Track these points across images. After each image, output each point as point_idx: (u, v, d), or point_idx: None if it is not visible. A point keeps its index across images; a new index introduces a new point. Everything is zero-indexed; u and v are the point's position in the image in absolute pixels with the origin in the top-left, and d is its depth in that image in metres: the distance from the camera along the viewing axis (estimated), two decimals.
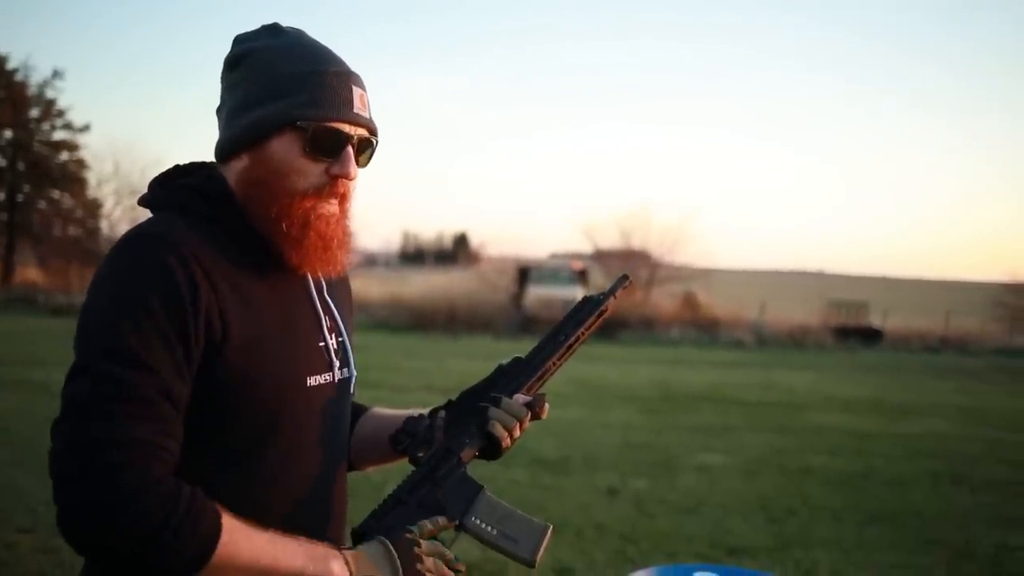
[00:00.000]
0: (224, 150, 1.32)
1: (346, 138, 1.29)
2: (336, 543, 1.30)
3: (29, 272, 33.67)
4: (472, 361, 15.25)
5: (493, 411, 1.39)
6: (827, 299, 32.68)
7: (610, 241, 36.39)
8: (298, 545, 1.21)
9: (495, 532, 1.37)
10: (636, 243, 34.96)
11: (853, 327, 28.59)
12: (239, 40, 1.34)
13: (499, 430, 1.38)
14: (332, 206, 1.30)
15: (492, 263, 37.21)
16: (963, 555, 5.53)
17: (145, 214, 1.33)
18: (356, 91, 1.31)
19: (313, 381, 1.33)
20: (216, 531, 1.13)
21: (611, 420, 10.16)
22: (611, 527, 5.71)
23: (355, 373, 1.44)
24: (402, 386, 11.62)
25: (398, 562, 1.24)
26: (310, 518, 1.34)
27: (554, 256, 37.93)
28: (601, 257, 35.14)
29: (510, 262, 32.94)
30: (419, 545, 1.27)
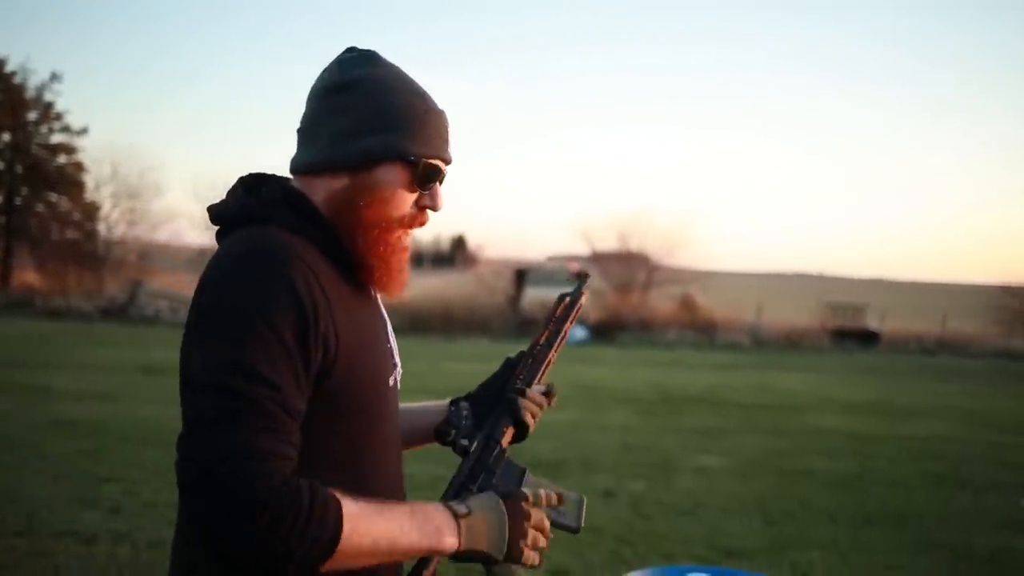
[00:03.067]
0: (320, 166, 1.37)
1: (442, 175, 1.40)
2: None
3: (27, 275, 33.63)
4: (469, 364, 15.25)
5: (521, 401, 1.55)
6: (824, 301, 32.75)
7: (608, 243, 36.43)
8: (411, 519, 1.26)
9: (544, 507, 1.45)
10: (634, 245, 35.01)
11: (850, 329, 28.66)
12: (345, 66, 1.39)
13: (528, 417, 1.55)
14: (410, 236, 1.41)
15: (490, 265, 37.23)
16: (962, 557, 5.51)
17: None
18: (449, 130, 1.42)
19: (391, 381, 1.44)
20: (340, 522, 1.18)
21: (608, 422, 10.15)
22: (607, 529, 5.69)
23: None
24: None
25: (507, 535, 1.31)
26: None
27: (552, 258, 37.99)
28: (599, 259, 35.13)
29: (508, 264, 33.00)
30: (528, 501, 1.36)
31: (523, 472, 1.52)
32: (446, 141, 1.41)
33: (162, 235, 35.64)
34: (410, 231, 1.41)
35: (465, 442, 1.50)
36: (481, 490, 1.42)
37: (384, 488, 1.40)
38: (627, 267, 33.91)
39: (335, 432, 1.32)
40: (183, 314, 25.02)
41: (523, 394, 1.56)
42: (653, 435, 9.45)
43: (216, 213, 1.39)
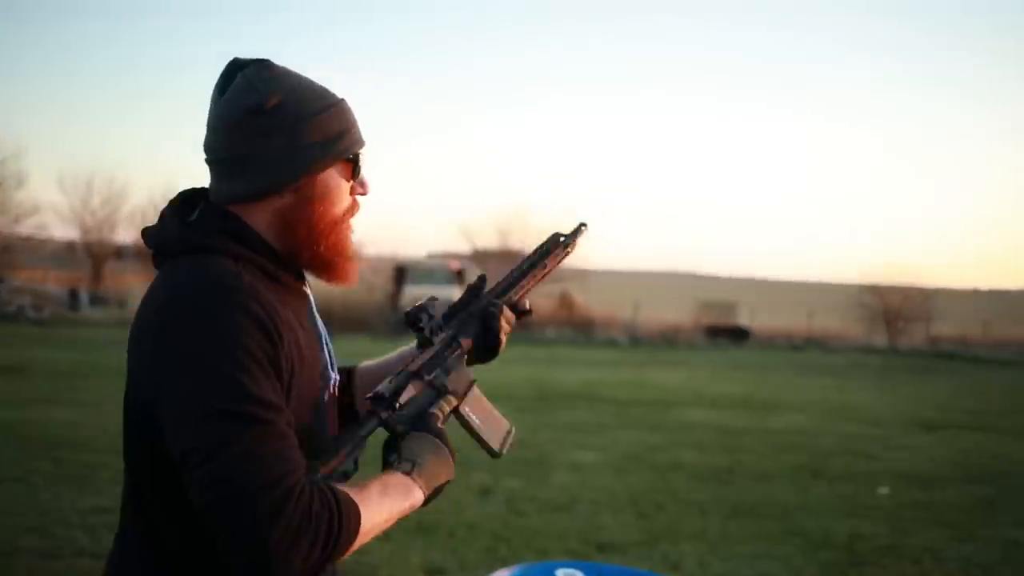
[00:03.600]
0: (263, 192, 1.38)
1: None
2: None
3: None
4: (349, 361, 15.08)
5: (494, 311, 1.57)
6: (698, 300, 33.63)
7: (488, 241, 36.57)
8: (386, 496, 1.33)
9: (478, 422, 1.55)
10: (514, 243, 35.20)
11: (723, 326, 29.52)
12: (252, 86, 1.38)
13: (498, 325, 1.57)
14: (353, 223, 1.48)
15: (368, 262, 36.79)
16: (820, 544, 5.77)
17: None
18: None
19: (326, 396, 1.46)
20: (359, 520, 1.27)
21: None
22: (483, 526, 5.74)
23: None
24: None
25: (449, 457, 1.44)
26: None
27: (431, 256, 37.86)
28: (479, 257, 35.24)
29: (387, 261, 32.72)
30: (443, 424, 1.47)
31: (472, 383, 1.55)
32: (359, 126, 1.46)
33: (25, 228, 34.04)
34: (351, 219, 1.47)
35: (428, 334, 1.52)
36: (432, 385, 1.48)
37: None
38: (507, 265, 33.99)
39: None
40: (49, 311, 23.77)
41: (496, 306, 1.59)
42: (530, 432, 9.54)
43: (155, 241, 1.40)
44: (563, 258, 1.73)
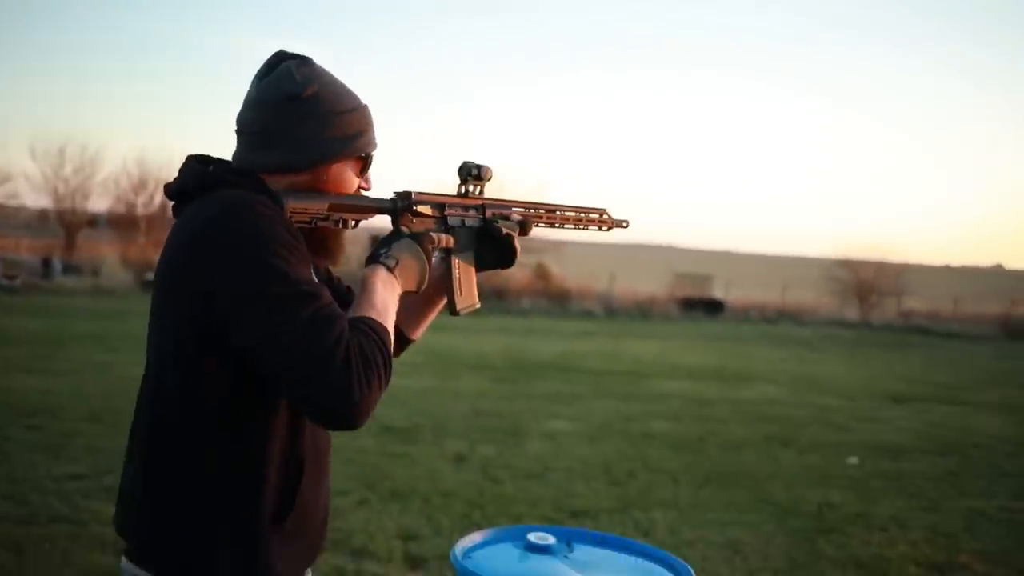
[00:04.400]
0: (287, 168, 1.59)
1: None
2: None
3: None
4: None
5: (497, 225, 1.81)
6: (673, 272, 33.75)
7: None
8: (384, 293, 1.55)
9: (459, 276, 1.77)
10: None
11: (697, 299, 29.63)
12: (298, 76, 1.58)
13: (503, 234, 1.81)
14: None
15: (347, 235, 36.71)
16: (790, 512, 5.87)
17: None
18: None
19: None
20: (387, 331, 1.50)
21: (461, 389, 10.26)
22: (458, 493, 5.79)
23: None
24: None
25: (425, 275, 1.64)
26: (328, 443, 1.70)
27: None
28: None
29: (361, 231, 32.53)
30: (433, 240, 1.68)
31: (471, 254, 1.80)
32: (374, 130, 1.67)
33: None
34: None
35: (472, 189, 1.80)
36: (446, 222, 1.73)
37: (322, 436, 1.66)
38: None
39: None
40: (21, 280, 23.44)
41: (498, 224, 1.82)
42: (505, 401, 9.61)
43: (178, 186, 1.57)
44: (591, 224, 1.98)
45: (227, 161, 1.62)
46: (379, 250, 1.62)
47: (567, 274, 31.32)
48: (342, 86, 1.64)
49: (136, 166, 33.36)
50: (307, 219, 1.56)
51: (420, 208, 1.68)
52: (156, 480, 1.52)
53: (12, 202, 33.67)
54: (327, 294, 1.44)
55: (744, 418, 9.42)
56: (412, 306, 1.86)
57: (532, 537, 1.93)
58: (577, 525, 5.18)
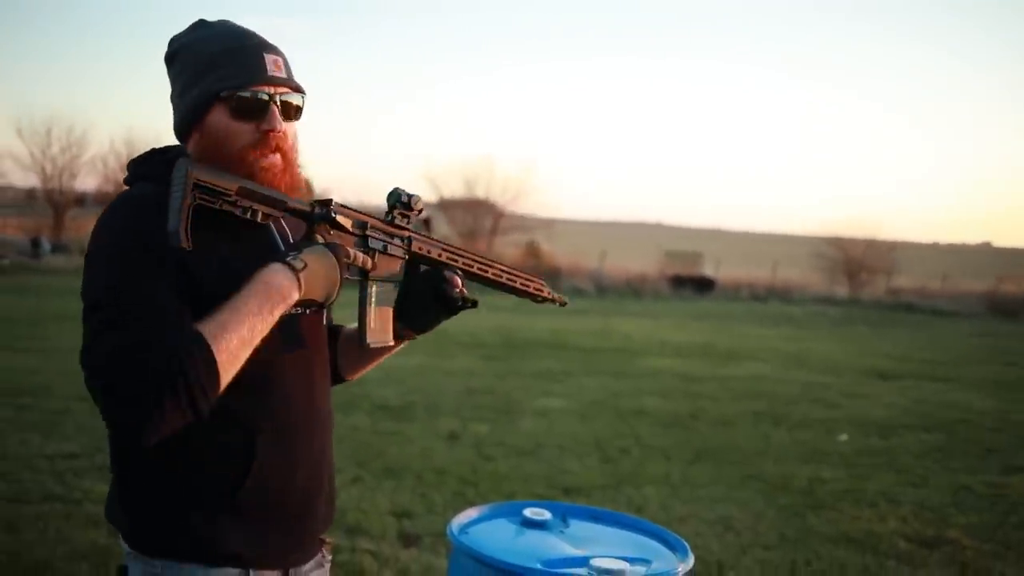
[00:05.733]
0: (179, 133, 1.58)
1: (268, 98, 1.53)
2: (320, 443, 1.65)
3: None
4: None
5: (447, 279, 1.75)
6: (664, 250, 33.82)
7: (454, 190, 36.38)
8: (259, 297, 1.42)
9: (371, 308, 1.66)
10: (480, 193, 35.08)
11: (687, 276, 29.68)
12: (172, 40, 1.59)
13: (450, 291, 1.74)
14: (274, 158, 1.54)
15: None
16: (780, 488, 5.92)
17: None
18: (269, 57, 1.55)
19: (295, 311, 1.54)
20: (211, 353, 1.36)
21: (453, 367, 10.28)
22: (451, 471, 5.82)
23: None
24: None
25: (337, 286, 1.53)
26: (304, 422, 1.61)
27: None
28: (445, 206, 35.10)
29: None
30: (349, 255, 1.56)
31: (395, 280, 1.70)
32: (261, 68, 1.53)
33: None
34: (272, 154, 1.54)
35: (400, 217, 1.69)
36: (367, 243, 1.61)
37: (294, 412, 1.59)
38: (473, 214, 34.03)
39: None
40: (9, 259, 23.40)
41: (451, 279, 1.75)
42: (497, 379, 9.64)
43: (125, 182, 1.59)
44: (530, 295, 1.97)
45: (174, 147, 1.61)
46: (287, 251, 1.51)
47: (557, 252, 31.34)
48: (221, 33, 1.56)
49: (124, 146, 33.08)
50: (213, 199, 1.44)
51: (340, 219, 1.56)
52: (116, 455, 1.56)
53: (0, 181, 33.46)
54: (153, 305, 1.38)
55: (734, 395, 9.46)
56: (350, 348, 1.82)
57: (528, 512, 1.95)
58: (570, 502, 5.21)
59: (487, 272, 1.83)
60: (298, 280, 1.46)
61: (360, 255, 1.59)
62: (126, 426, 1.33)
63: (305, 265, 1.47)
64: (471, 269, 1.79)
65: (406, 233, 1.69)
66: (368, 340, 1.65)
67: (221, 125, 1.52)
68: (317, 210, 1.54)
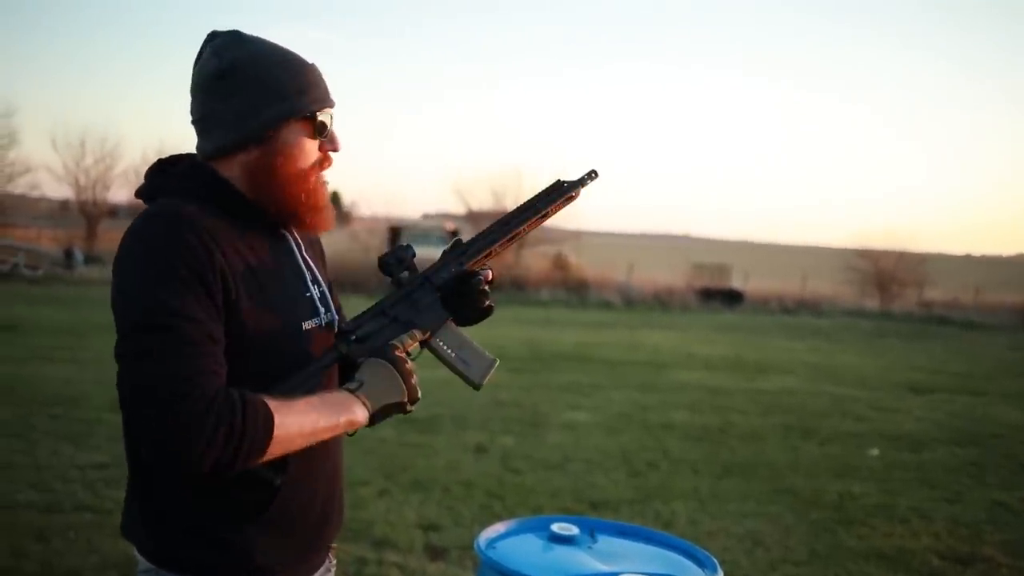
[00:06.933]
0: (229, 148, 1.54)
1: (331, 120, 1.59)
2: (335, 459, 1.68)
3: None
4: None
5: (477, 280, 1.68)
6: (692, 262, 33.64)
7: (482, 202, 36.43)
8: (322, 404, 1.46)
9: (453, 355, 1.64)
10: (508, 204, 35.09)
11: (716, 289, 29.51)
12: (216, 53, 1.54)
13: (477, 292, 1.67)
14: (324, 176, 1.61)
15: (363, 223, 36.78)
16: (810, 503, 5.86)
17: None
18: (323, 76, 1.60)
19: (307, 325, 1.60)
20: (271, 420, 1.37)
21: None
22: (478, 484, 5.81)
23: (336, 316, 1.70)
24: None
25: (401, 381, 1.54)
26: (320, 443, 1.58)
27: (427, 216, 37.78)
28: (473, 218, 35.13)
29: (382, 222, 32.68)
30: (406, 358, 1.57)
31: (446, 317, 1.64)
32: (326, 88, 1.59)
33: (18, 187, 33.79)
34: (323, 172, 1.61)
35: (405, 274, 1.65)
36: (396, 319, 1.61)
37: None
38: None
39: (246, 371, 1.45)
40: (43, 270, 23.72)
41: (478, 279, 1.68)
42: (524, 392, 9.62)
43: (136, 193, 1.58)
44: (564, 205, 1.73)
45: (191, 158, 1.60)
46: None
47: (585, 264, 31.30)
48: (272, 51, 1.56)
49: (155, 156, 33.20)
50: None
51: (397, 353, 1.57)
52: (135, 470, 1.56)
53: (34, 193, 33.86)
54: (194, 329, 1.37)
55: (763, 409, 9.39)
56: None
57: (556, 528, 1.94)
58: (597, 516, 5.19)
59: (505, 243, 1.71)
60: (356, 398, 1.50)
61: (406, 340, 1.61)
62: (174, 454, 1.31)
63: (361, 384, 1.52)
64: (491, 255, 1.70)
65: (422, 278, 1.67)
66: (478, 381, 1.66)
67: (296, 143, 1.55)
68: (343, 347, 1.58)
